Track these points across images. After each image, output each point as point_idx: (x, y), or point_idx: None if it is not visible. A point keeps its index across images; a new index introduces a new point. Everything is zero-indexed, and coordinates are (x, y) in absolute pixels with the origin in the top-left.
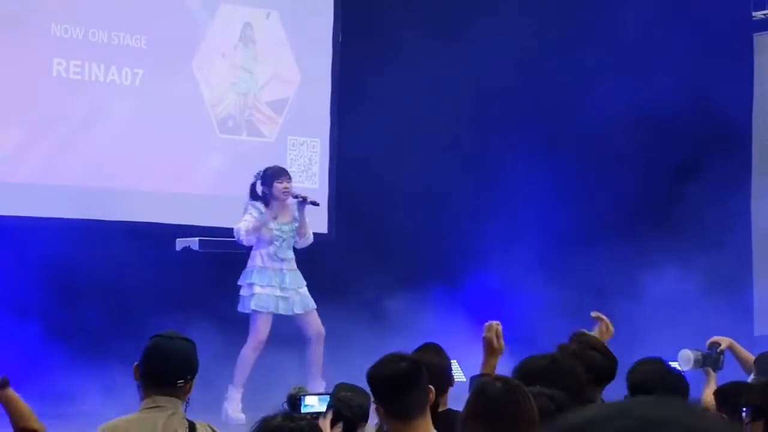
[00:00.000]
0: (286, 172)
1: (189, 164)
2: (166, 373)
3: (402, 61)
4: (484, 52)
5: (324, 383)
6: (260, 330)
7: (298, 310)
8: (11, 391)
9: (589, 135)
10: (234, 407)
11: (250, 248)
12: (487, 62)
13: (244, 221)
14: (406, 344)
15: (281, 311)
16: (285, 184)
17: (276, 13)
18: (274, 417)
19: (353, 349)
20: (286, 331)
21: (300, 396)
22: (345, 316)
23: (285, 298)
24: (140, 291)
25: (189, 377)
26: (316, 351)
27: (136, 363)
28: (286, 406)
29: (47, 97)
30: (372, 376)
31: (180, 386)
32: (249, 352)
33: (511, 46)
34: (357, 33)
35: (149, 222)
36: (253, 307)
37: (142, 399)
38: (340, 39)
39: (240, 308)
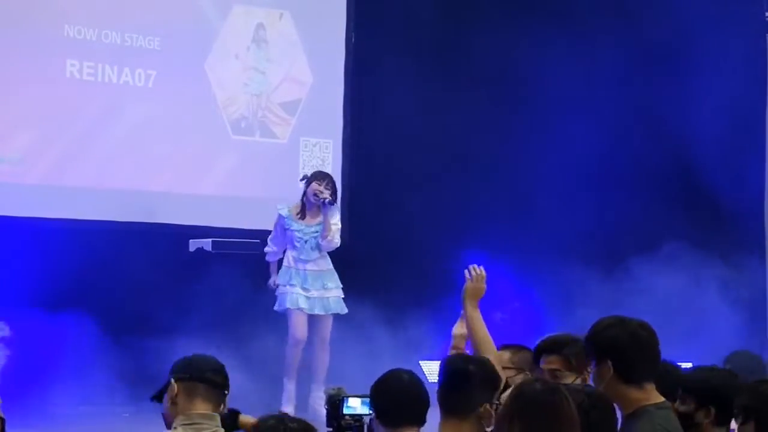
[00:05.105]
0: (330, 177)
1: (202, 165)
2: (208, 372)
3: (415, 62)
4: (500, 52)
5: (323, 386)
6: (294, 326)
7: (318, 311)
8: None
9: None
10: (286, 398)
11: (261, 249)
12: (501, 64)
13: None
14: (419, 348)
15: (303, 306)
16: (319, 187)
17: (289, 13)
18: (268, 418)
19: (364, 352)
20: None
21: (342, 397)
22: (358, 318)
23: (308, 298)
24: (153, 292)
25: (224, 390)
26: (318, 357)
27: (172, 379)
28: (326, 406)
29: (60, 98)
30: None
31: (217, 391)
32: (289, 350)
33: (522, 52)
34: (370, 34)
35: (162, 223)
36: (276, 307)
37: (172, 419)
38: (353, 40)
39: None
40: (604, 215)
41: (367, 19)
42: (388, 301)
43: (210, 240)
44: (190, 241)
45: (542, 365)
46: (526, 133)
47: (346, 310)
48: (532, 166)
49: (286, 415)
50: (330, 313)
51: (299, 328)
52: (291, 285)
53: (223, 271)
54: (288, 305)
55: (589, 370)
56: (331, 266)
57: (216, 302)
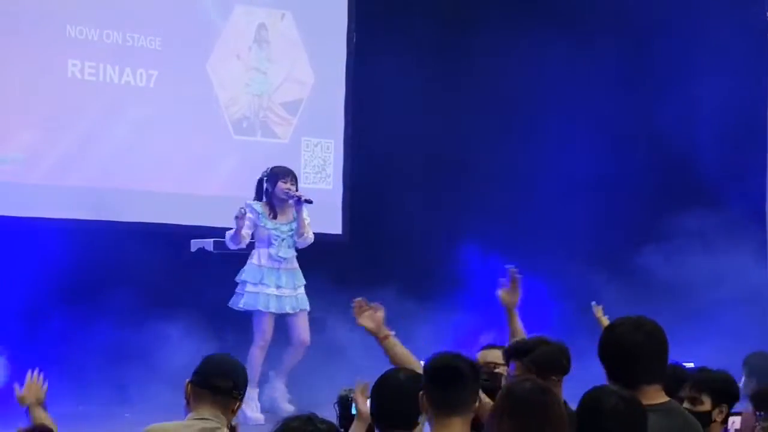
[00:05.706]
0: (293, 173)
1: (203, 165)
2: (214, 378)
3: (416, 62)
4: (500, 53)
5: (286, 378)
6: (262, 329)
7: (288, 310)
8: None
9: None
10: (251, 407)
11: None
12: (501, 65)
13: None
14: (419, 346)
15: (273, 309)
16: (288, 185)
17: (290, 14)
18: (293, 419)
19: (365, 351)
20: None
21: (352, 397)
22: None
23: (278, 297)
24: (155, 292)
25: (235, 392)
26: (292, 355)
27: (187, 380)
28: (336, 407)
29: (62, 98)
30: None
31: (224, 396)
32: (255, 351)
33: (522, 52)
34: (371, 34)
35: (164, 223)
36: (241, 306)
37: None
38: (354, 40)
39: (230, 304)
40: (603, 215)
41: (369, 20)
42: (388, 300)
43: (212, 240)
44: (192, 241)
45: (511, 370)
46: (526, 133)
47: (309, 307)
48: (532, 166)
49: (314, 415)
50: (299, 309)
51: (269, 329)
52: (263, 284)
53: (225, 271)
54: (259, 307)
55: (555, 377)
56: (297, 264)
57: (217, 302)
